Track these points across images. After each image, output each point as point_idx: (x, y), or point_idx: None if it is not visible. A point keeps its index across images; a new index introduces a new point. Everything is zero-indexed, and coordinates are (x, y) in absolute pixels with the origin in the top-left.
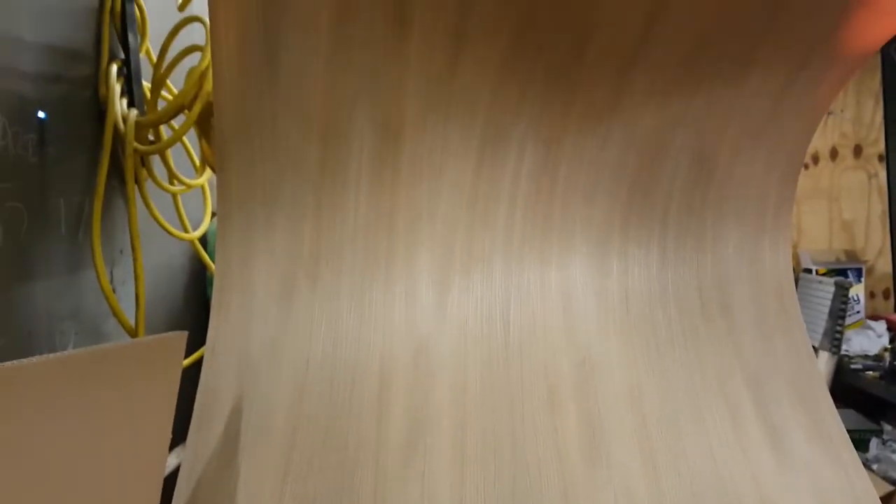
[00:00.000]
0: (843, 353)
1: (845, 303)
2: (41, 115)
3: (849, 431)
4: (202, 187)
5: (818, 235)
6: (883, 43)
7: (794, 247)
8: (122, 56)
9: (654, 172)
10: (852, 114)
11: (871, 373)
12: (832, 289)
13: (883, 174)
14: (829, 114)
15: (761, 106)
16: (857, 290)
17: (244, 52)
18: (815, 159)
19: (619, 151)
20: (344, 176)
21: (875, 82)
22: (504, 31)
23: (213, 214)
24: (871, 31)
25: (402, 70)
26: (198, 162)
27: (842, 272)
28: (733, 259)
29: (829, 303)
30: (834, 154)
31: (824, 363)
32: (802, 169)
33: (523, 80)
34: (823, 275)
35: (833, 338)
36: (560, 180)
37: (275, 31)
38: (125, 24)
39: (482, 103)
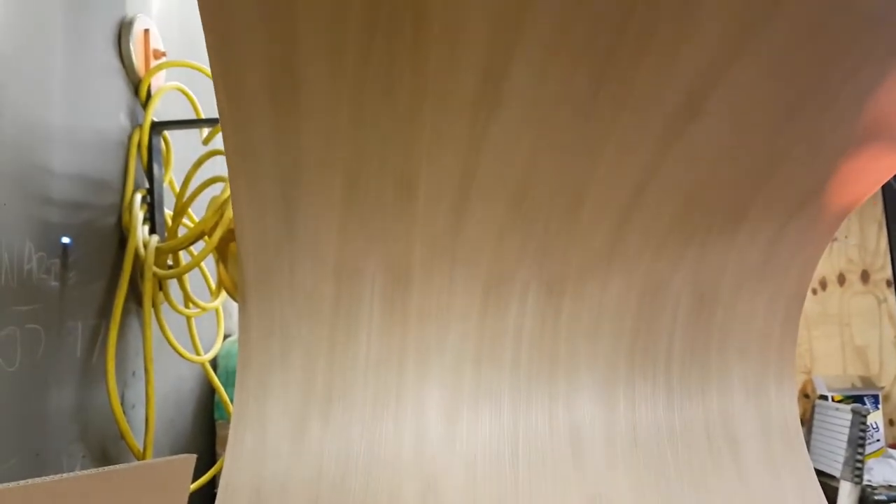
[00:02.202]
0: (865, 483)
1: (864, 430)
2: (66, 240)
3: None
4: (216, 310)
5: (831, 361)
6: (873, 190)
7: (808, 373)
8: (147, 185)
9: (655, 311)
10: (857, 240)
11: None
12: (849, 416)
13: (892, 299)
14: (834, 240)
15: (756, 251)
16: (875, 418)
17: (263, 213)
18: (824, 284)
19: (620, 292)
20: (356, 316)
21: (877, 210)
22: (504, 197)
23: (226, 336)
24: (859, 182)
25: (410, 228)
26: (213, 285)
27: (858, 399)
28: (739, 394)
29: (846, 430)
30: (842, 279)
31: (847, 494)
32: (811, 294)
33: (524, 234)
34: (839, 401)
35: (854, 467)
36: (563, 319)
37: (291, 198)
38: (151, 156)
39: (485, 253)
